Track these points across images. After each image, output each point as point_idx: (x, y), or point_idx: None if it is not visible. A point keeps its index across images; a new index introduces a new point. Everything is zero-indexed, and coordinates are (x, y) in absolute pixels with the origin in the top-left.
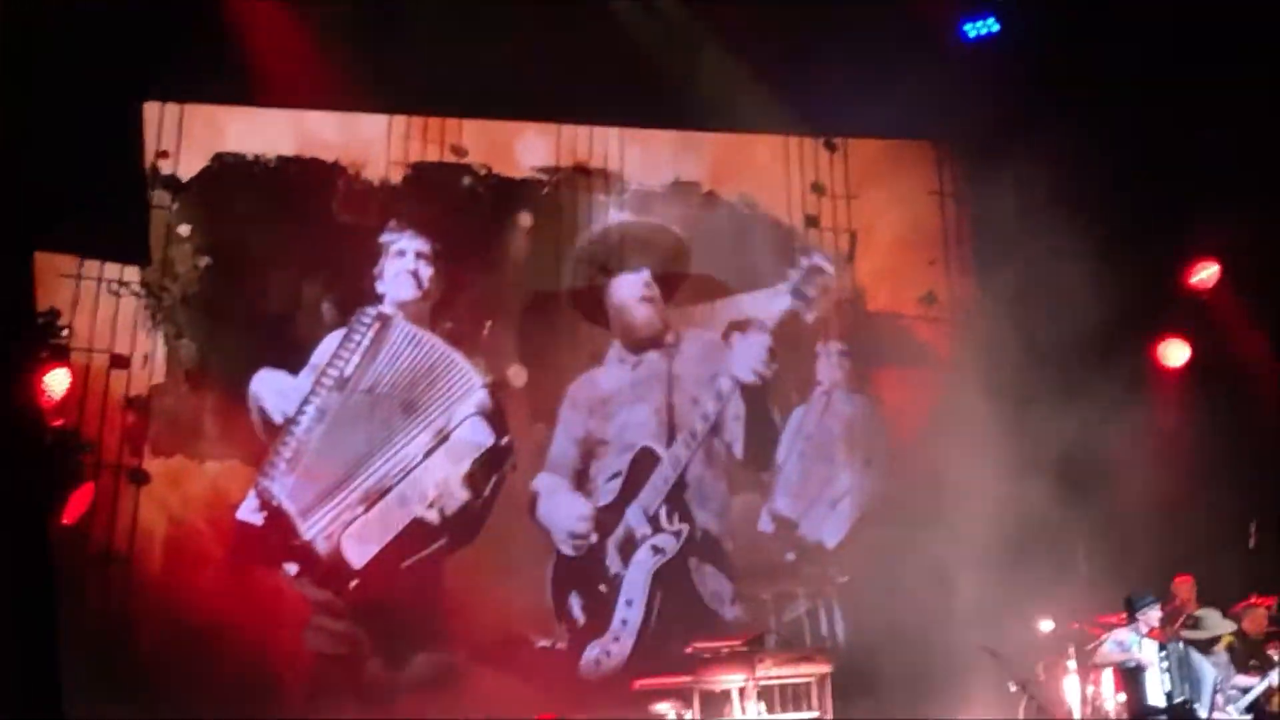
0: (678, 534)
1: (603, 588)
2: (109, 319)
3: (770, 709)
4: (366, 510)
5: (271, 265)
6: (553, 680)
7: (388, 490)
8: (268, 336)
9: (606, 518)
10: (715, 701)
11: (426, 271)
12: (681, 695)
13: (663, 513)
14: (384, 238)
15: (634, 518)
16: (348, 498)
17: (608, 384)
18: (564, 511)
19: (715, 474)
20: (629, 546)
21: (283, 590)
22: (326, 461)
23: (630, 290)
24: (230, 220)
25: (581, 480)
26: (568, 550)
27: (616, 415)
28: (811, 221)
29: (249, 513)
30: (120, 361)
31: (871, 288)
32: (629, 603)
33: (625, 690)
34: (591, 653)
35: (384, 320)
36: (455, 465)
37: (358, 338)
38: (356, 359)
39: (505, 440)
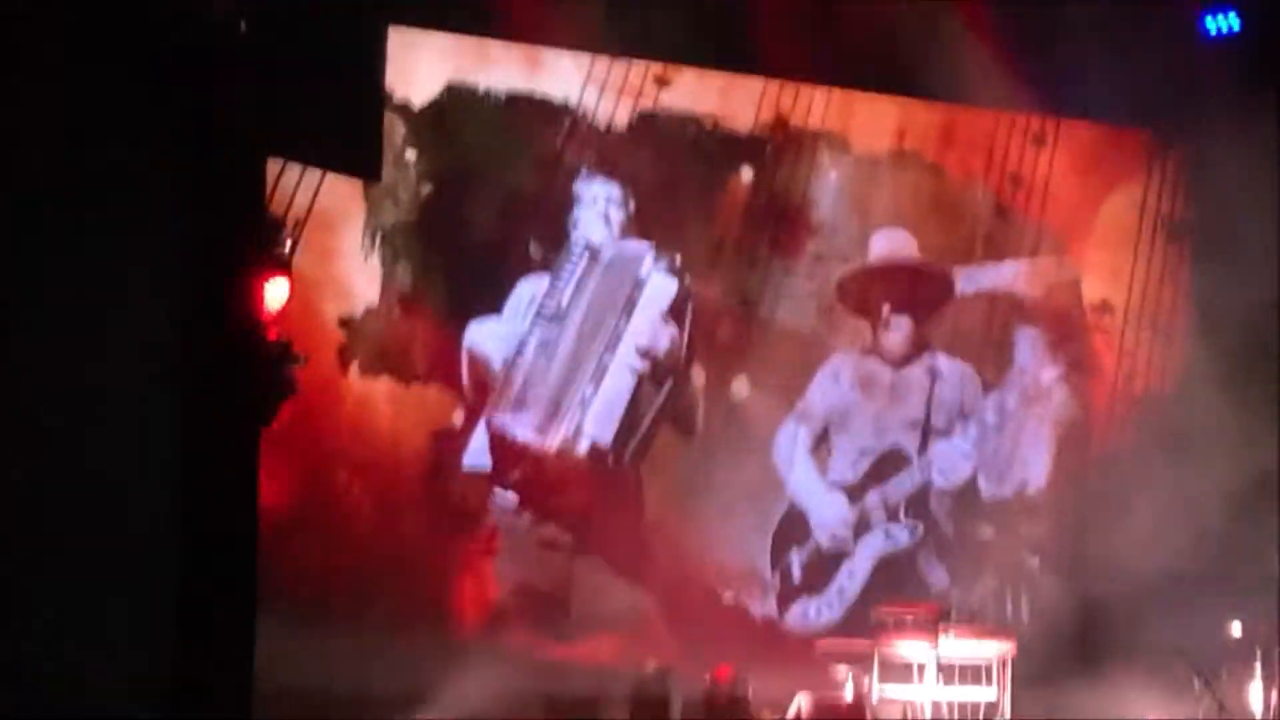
0: (912, 530)
1: (826, 554)
2: (331, 238)
3: (949, 683)
4: (596, 386)
5: (491, 200)
6: (734, 634)
7: (606, 364)
8: (477, 270)
9: (847, 492)
10: (895, 669)
11: (619, 216)
12: (862, 660)
13: (903, 508)
14: (578, 184)
15: (873, 503)
16: (577, 393)
17: (871, 369)
18: (827, 509)
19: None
20: (862, 525)
21: (486, 524)
22: (552, 380)
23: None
24: (456, 151)
25: (822, 444)
26: (824, 541)
27: (873, 401)
28: (1002, 212)
29: (477, 456)
30: (337, 280)
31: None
32: (850, 574)
33: (806, 651)
34: (799, 609)
35: (594, 253)
36: (653, 311)
37: (570, 269)
38: (570, 290)
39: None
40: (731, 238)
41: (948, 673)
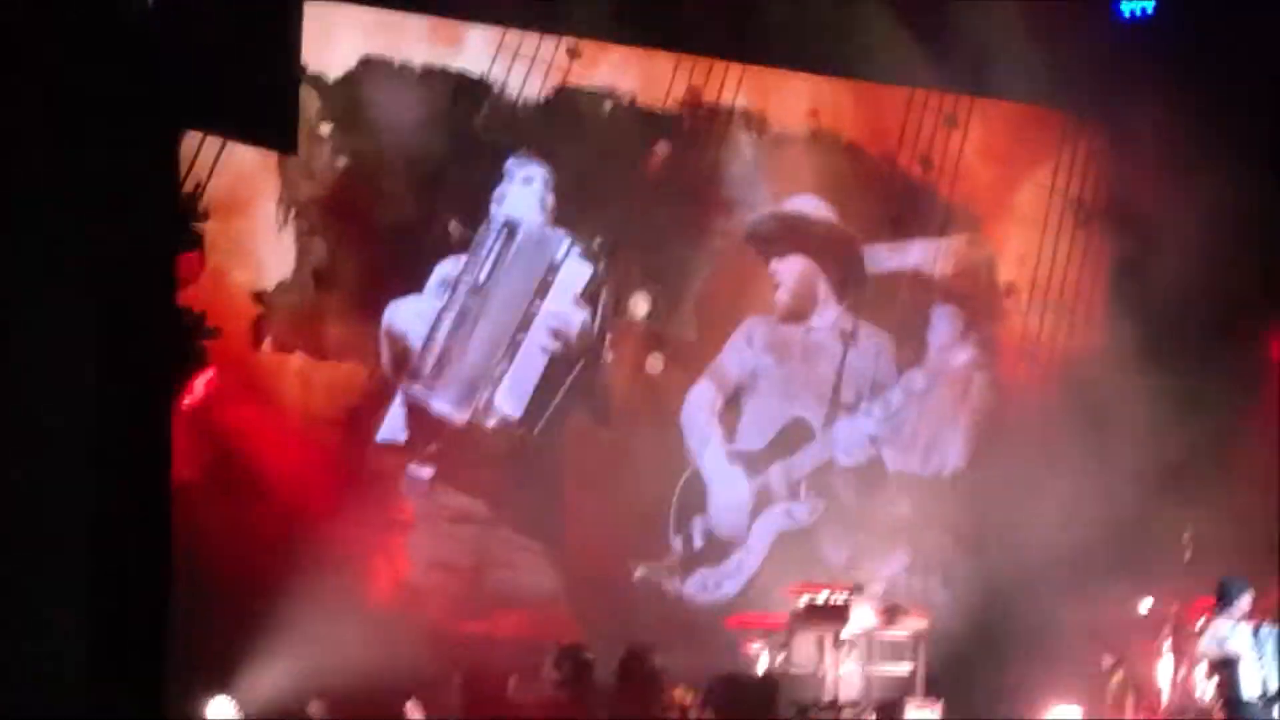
0: (813, 509)
1: (727, 525)
2: (244, 211)
3: (864, 661)
4: (509, 363)
5: (407, 175)
6: (649, 610)
7: (519, 342)
8: (394, 246)
9: (751, 462)
10: (808, 646)
11: (550, 199)
12: (776, 638)
13: (804, 485)
14: (511, 163)
15: (776, 478)
16: (491, 369)
17: (784, 334)
18: (728, 489)
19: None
20: (764, 500)
21: (399, 498)
22: (469, 355)
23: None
24: (371, 125)
25: (732, 405)
26: (721, 522)
27: (785, 364)
28: (917, 191)
29: (392, 430)
30: (251, 254)
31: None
32: (749, 550)
33: (720, 628)
34: (699, 580)
35: (512, 229)
36: (566, 294)
37: (489, 244)
38: (488, 266)
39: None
40: (648, 215)
41: (862, 649)
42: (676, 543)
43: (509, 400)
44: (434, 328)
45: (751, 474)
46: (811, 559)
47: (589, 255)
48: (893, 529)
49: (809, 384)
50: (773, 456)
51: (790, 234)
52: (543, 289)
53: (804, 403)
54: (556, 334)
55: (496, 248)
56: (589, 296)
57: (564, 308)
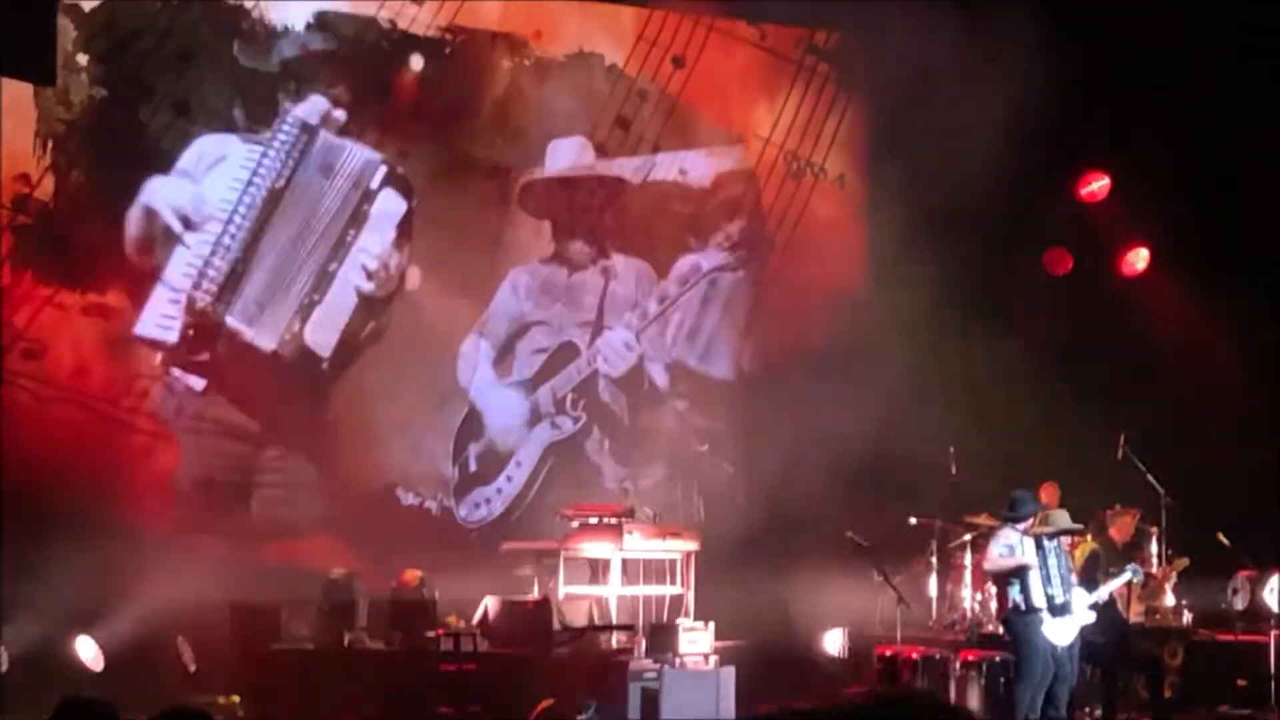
0: (576, 420)
1: (500, 446)
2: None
3: (634, 581)
4: (321, 298)
5: (170, 104)
6: (420, 538)
7: (333, 275)
8: (159, 173)
9: (522, 389)
10: (580, 569)
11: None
12: (547, 561)
13: (569, 398)
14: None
15: (544, 397)
16: (298, 292)
17: (546, 276)
18: (502, 409)
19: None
20: (534, 419)
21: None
22: (266, 270)
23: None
24: (129, 54)
25: (505, 353)
26: (497, 437)
27: (553, 306)
28: (676, 108)
29: (156, 329)
30: (9, 185)
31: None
32: (518, 464)
33: (492, 554)
34: (472, 500)
35: (309, 130)
36: (383, 235)
37: (283, 148)
38: (287, 170)
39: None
40: (409, 138)
41: (633, 570)
42: (453, 471)
43: (320, 333)
44: (226, 231)
45: (524, 397)
46: (581, 468)
47: (404, 189)
48: (655, 437)
49: (574, 317)
50: (541, 381)
51: (560, 193)
52: (357, 219)
53: (571, 332)
54: (372, 275)
55: (295, 150)
56: (400, 230)
57: (381, 245)
